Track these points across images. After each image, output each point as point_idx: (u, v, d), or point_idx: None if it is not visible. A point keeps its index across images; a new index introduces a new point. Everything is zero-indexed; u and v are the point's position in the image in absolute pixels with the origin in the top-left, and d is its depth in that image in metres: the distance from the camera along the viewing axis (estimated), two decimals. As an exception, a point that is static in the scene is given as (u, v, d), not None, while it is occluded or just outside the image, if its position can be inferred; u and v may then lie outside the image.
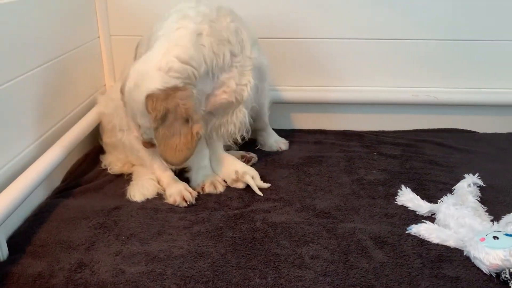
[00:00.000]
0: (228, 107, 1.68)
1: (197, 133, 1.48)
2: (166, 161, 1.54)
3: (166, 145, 1.48)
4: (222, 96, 1.64)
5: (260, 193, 1.67)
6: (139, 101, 1.46)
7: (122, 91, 1.56)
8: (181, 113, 1.45)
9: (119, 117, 1.77)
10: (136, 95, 1.47)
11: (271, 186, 1.72)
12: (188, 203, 1.61)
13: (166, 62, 1.46)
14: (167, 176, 1.73)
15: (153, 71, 1.46)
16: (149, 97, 1.44)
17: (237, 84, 1.65)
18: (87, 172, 1.86)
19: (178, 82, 1.47)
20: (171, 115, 1.45)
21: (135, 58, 1.83)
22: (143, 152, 1.75)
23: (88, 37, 2.05)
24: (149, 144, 1.60)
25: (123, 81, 1.55)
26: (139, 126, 1.56)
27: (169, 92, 1.45)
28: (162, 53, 1.48)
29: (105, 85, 2.21)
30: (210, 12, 1.61)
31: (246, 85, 1.67)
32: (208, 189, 1.69)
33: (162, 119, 1.45)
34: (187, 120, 1.47)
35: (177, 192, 1.63)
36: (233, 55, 1.63)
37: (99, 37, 2.13)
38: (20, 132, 1.53)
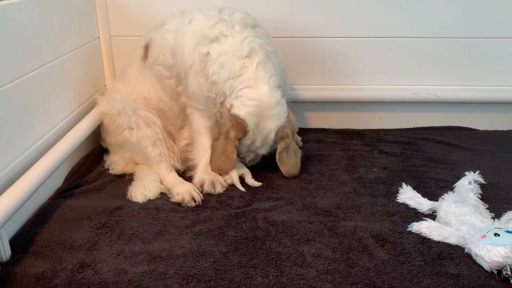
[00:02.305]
0: None
1: (301, 140, 1.77)
2: (290, 176, 1.76)
3: (288, 165, 1.75)
4: None
5: (242, 188, 1.71)
6: (270, 137, 1.68)
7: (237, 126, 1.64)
8: (292, 130, 1.74)
9: (126, 116, 1.79)
10: (266, 132, 1.67)
11: (272, 185, 1.73)
12: (197, 203, 1.62)
13: (276, 95, 1.65)
14: (173, 176, 1.75)
15: (274, 108, 1.64)
16: (279, 129, 1.67)
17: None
18: (88, 173, 1.86)
19: (287, 106, 1.70)
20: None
21: (146, 58, 1.84)
22: (151, 150, 1.78)
23: (89, 38, 2.06)
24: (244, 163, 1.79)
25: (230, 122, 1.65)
26: (249, 153, 1.74)
27: (288, 117, 1.71)
28: (268, 89, 1.63)
29: (105, 85, 2.21)
30: (252, 29, 1.73)
31: (286, 85, 1.91)
32: (207, 188, 1.70)
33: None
34: (293, 134, 1.73)
35: (186, 191, 1.64)
36: None
37: (99, 37, 2.14)
38: (21, 133, 1.53)
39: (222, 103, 1.68)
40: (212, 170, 1.74)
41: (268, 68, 1.66)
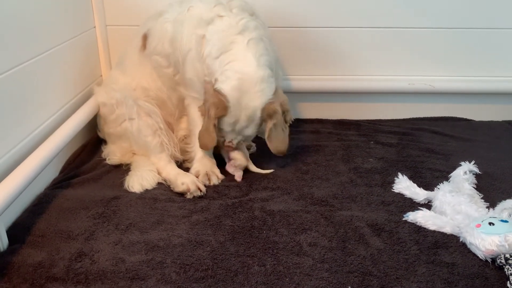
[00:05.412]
0: None
1: (291, 120, 1.72)
2: (278, 153, 1.70)
3: (277, 141, 1.67)
4: None
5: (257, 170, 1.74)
6: (256, 114, 1.60)
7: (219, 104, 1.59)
8: (283, 109, 1.65)
9: (127, 106, 1.78)
10: (251, 110, 1.59)
11: (268, 175, 1.74)
12: (202, 193, 1.62)
13: (263, 70, 1.58)
14: (173, 167, 1.76)
15: (259, 84, 1.57)
16: (266, 105, 1.59)
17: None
18: (85, 163, 1.86)
19: (275, 84, 1.63)
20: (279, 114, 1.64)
21: (144, 48, 1.82)
22: (151, 139, 1.78)
23: (84, 27, 2.04)
24: (232, 148, 1.72)
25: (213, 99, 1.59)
26: (236, 135, 1.67)
27: (276, 93, 1.63)
28: (255, 64, 1.57)
29: (101, 75, 2.20)
30: (250, 15, 1.69)
31: (278, 78, 1.82)
32: (202, 179, 1.70)
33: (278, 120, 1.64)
34: (283, 112, 1.66)
35: (191, 181, 1.64)
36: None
37: (95, 27, 2.12)
38: (17, 124, 1.52)
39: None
40: (199, 146, 1.71)
41: (260, 47, 1.60)
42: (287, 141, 1.72)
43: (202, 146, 1.71)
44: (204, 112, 1.65)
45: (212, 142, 1.66)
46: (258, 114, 1.60)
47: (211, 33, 1.62)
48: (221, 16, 1.64)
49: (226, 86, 1.56)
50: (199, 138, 1.69)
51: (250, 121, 1.62)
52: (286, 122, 1.72)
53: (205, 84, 1.65)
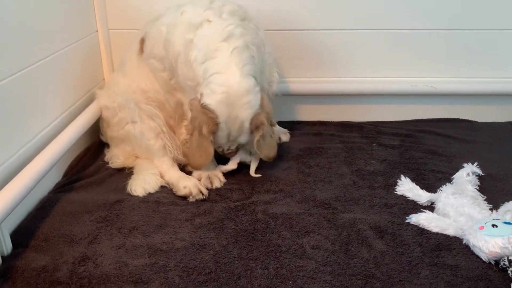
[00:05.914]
0: None
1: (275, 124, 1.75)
2: (269, 159, 1.73)
3: (267, 148, 1.70)
4: None
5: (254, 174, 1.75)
6: (245, 126, 1.61)
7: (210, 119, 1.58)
8: (270, 117, 1.68)
9: (130, 109, 1.78)
10: (240, 122, 1.60)
11: (270, 177, 1.74)
12: (204, 196, 1.63)
13: (247, 82, 1.57)
14: (176, 170, 1.76)
15: (245, 96, 1.56)
16: (254, 117, 1.60)
17: (268, 82, 1.86)
18: (88, 167, 1.86)
19: (261, 94, 1.62)
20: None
21: (142, 51, 1.83)
22: (154, 142, 1.78)
23: (86, 31, 2.05)
24: (233, 152, 1.75)
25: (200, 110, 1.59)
26: (230, 143, 1.68)
27: (262, 104, 1.62)
28: (239, 75, 1.56)
29: (104, 79, 2.21)
30: (241, 20, 1.69)
31: (273, 81, 1.89)
32: (204, 182, 1.70)
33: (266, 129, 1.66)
34: (269, 121, 1.68)
35: (193, 185, 1.65)
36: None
37: (97, 31, 2.13)
38: (20, 127, 1.53)
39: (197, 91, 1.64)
40: (191, 167, 1.73)
41: (244, 57, 1.59)
42: (276, 146, 1.74)
43: (195, 166, 1.70)
44: (191, 131, 1.64)
45: (207, 159, 1.67)
46: (247, 125, 1.61)
47: (199, 38, 1.62)
48: (210, 21, 1.64)
49: (213, 101, 1.56)
50: (190, 159, 1.68)
51: (240, 131, 1.63)
52: (272, 125, 1.74)
53: (189, 101, 1.65)
